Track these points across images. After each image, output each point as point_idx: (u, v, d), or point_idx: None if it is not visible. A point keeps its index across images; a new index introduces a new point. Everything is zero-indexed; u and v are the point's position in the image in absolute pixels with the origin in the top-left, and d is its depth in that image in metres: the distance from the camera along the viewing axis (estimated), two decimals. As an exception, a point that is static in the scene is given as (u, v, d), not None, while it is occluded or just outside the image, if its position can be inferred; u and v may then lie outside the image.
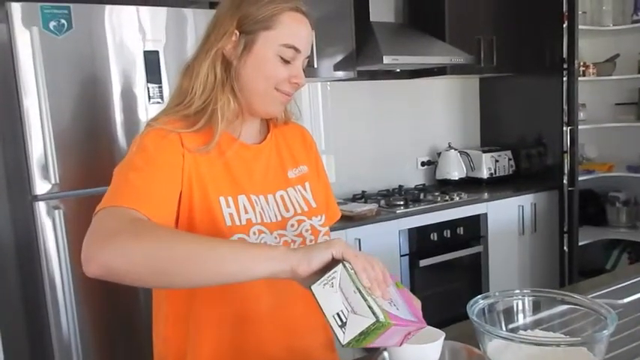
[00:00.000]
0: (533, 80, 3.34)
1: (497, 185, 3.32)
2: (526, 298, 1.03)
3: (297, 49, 1.00)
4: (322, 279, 0.74)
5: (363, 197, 3.03)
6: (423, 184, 3.37)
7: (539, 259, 3.30)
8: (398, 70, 3.22)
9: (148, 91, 1.99)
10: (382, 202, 2.91)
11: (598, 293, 1.36)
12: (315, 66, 2.64)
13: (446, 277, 2.89)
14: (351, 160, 3.17)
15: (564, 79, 3.13)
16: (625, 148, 3.59)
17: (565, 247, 3.27)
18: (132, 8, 1.96)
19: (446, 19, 3.05)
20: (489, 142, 3.64)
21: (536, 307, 1.03)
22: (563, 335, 0.98)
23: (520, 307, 1.04)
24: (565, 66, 3.12)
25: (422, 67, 3.10)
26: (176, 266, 0.78)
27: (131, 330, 1.94)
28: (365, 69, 2.89)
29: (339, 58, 2.75)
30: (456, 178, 3.34)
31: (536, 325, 1.02)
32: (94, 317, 1.89)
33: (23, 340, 1.98)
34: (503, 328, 1.02)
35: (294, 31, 0.99)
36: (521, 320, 1.03)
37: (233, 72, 0.99)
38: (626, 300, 1.31)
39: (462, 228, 2.93)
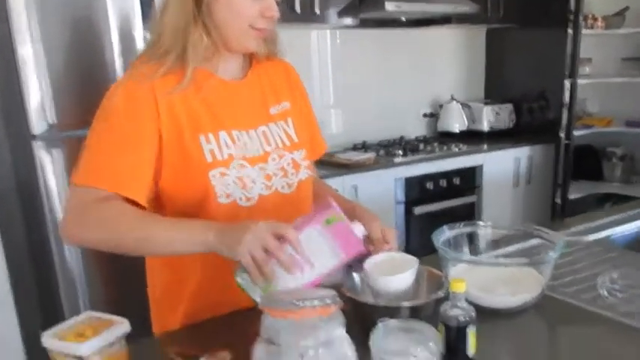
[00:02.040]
0: (539, 32, 3.24)
1: (497, 138, 3.26)
2: (488, 229, 1.04)
3: None
4: (237, 273, 0.88)
5: (363, 147, 3.02)
6: (424, 136, 3.34)
7: (532, 211, 3.29)
8: (403, 19, 3.14)
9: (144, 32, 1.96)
10: (381, 151, 2.90)
11: (567, 231, 1.38)
12: (318, 12, 2.59)
13: (440, 224, 2.87)
14: (353, 110, 3.14)
15: (569, 31, 3.03)
16: (628, 103, 3.49)
17: (557, 200, 3.26)
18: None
19: (452, -33, 2.94)
20: (493, 95, 3.56)
21: (497, 239, 1.05)
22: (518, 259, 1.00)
23: (482, 237, 1.05)
24: (571, 18, 3.01)
25: (426, 15, 3.02)
26: (131, 247, 0.95)
27: (134, 264, 2.01)
28: (368, 17, 2.82)
29: (342, 5, 2.68)
30: (457, 131, 3.29)
31: (494, 251, 1.04)
32: (97, 252, 1.94)
33: (30, 277, 2.05)
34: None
35: None
36: (482, 249, 1.05)
37: (204, 8, 0.97)
38: (591, 237, 1.35)
39: (458, 178, 2.92)
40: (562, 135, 3.17)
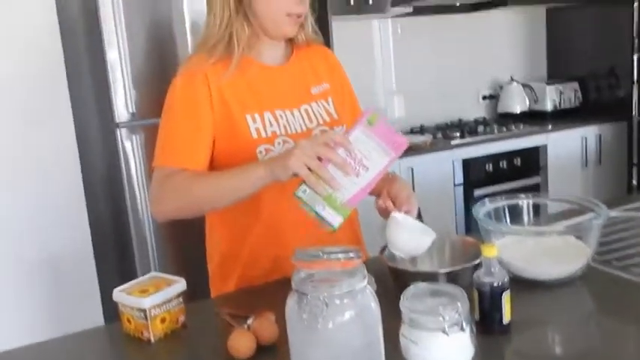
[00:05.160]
0: (602, 9, 3.02)
1: (562, 118, 3.09)
2: (530, 201, 1.01)
3: None
4: (298, 189, 0.87)
5: (420, 130, 2.97)
6: (484, 118, 3.23)
7: (605, 192, 3.08)
8: (457, 4, 3.04)
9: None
10: (438, 134, 2.84)
11: (626, 206, 1.29)
12: (371, 3, 2.57)
13: (500, 206, 2.79)
14: (414, 95, 3.09)
15: (635, 4, 2.80)
16: None
17: (634, 181, 3.03)
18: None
19: (508, -52, 2.81)
20: (556, 74, 3.36)
21: (539, 209, 1.01)
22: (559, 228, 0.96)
23: (524, 209, 1.02)
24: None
25: (481, -1, 2.91)
26: (203, 206, 1.05)
27: (197, 235, 2.16)
28: (421, 4, 2.76)
29: (395, -7, 2.65)
30: (518, 112, 3.15)
31: (537, 223, 1.00)
32: (167, 224, 2.08)
33: (110, 244, 2.24)
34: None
35: None
36: (525, 220, 1.02)
37: (245, 1, 1.04)
38: None
39: (519, 159, 2.81)
40: (635, 112, 2.95)
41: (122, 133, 2.00)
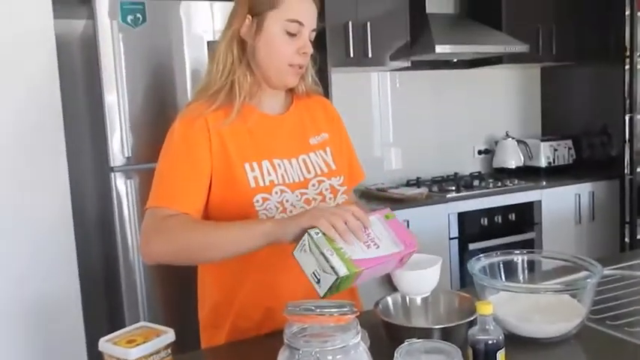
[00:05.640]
0: (595, 69, 3.12)
1: (555, 174, 3.14)
2: (525, 257, 1.01)
3: (300, 23, 1.05)
4: (298, 246, 0.86)
5: (417, 183, 3.00)
6: (479, 172, 3.26)
7: (598, 250, 3.09)
8: (455, 60, 3.15)
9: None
10: (434, 187, 2.87)
11: (620, 265, 1.29)
12: (370, 56, 2.66)
13: (495, 261, 2.78)
14: (411, 148, 3.15)
15: (626, 67, 2.91)
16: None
17: (627, 239, 3.04)
18: (206, 4, 2.07)
19: (502, 9, 2.93)
20: (550, 131, 3.44)
21: (533, 266, 1.01)
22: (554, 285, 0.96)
23: (519, 265, 1.02)
24: (627, 54, 2.90)
25: (478, 56, 3.01)
26: (197, 254, 1.01)
27: (187, 284, 2.12)
28: (419, 59, 2.85)
29: (394, 48, 2.74)
30: (513, 167, 3.20)
31: (532, 280, 1.00)
32: (157, 272, 2.06)
33: (99, 290, 2.19)
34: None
35: (296, 7, 1.05)
36: (520, 276, 1.02)
37: (249, 50, 1.07)
38: None
39: (513, 214, 2.82)
40: (627, 171, 3.00)
41: (117, 177, 2.00)
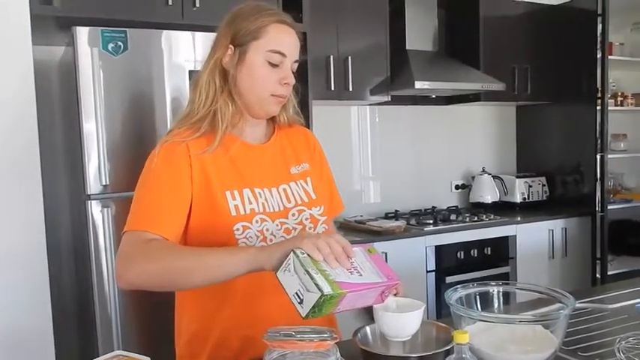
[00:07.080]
0: (569, 109, 3.27)
1: (530, 210, 3.24)
2: (500, 289, 1.05)
3: (282, 54, 1.10)
4: (282, 266, 0.87)
5: (395, 216, 3.06)
6: (456, 206, 3.35)
7: (571, 284, 3.17)
8: (433, 96, 3.26)
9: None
10: (412, 220, 2.93)
11: (591, 299, 1.35)
12: (351, 89, 2.74)
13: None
14: (389, 181, 3.23)
15: (597, 107, 3.06)
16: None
17: (598, 274, 3.14)
18: (188, 33, 2.11)
19: (480, 48, 3.07)
20: (525, 168, 3.57)
21: (508, 297, 1.05)
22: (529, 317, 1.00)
23: (495, 297, 1.06)
24: (599, 95, 3.05)
25: (456, 93, 3.13)
26: (178, 278, 0.98)
27: (164, 312, 2.09)
28: (398, 94, 2.95)
29: (374, 83, 2.83)
30: (489, 202, 3.29)
31: (507, 311, 1.04)
32: (133, 301, 2.04)
33: (72, 319, 2.13)
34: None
35: (278, 38, 1.10)
36: (495, 307, 1.06)
37: (231, 79, 1.10)
38: (615, 305, 1.30)
39: (489, 248, 2.89)
40: (598, 208, 3.11)
41: (92, 206, 1.99)
